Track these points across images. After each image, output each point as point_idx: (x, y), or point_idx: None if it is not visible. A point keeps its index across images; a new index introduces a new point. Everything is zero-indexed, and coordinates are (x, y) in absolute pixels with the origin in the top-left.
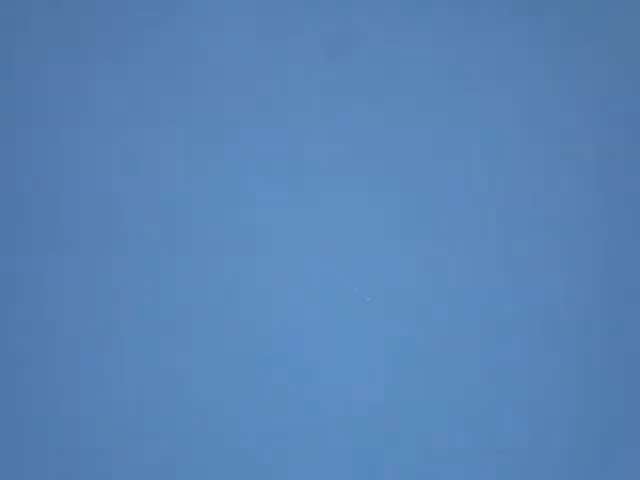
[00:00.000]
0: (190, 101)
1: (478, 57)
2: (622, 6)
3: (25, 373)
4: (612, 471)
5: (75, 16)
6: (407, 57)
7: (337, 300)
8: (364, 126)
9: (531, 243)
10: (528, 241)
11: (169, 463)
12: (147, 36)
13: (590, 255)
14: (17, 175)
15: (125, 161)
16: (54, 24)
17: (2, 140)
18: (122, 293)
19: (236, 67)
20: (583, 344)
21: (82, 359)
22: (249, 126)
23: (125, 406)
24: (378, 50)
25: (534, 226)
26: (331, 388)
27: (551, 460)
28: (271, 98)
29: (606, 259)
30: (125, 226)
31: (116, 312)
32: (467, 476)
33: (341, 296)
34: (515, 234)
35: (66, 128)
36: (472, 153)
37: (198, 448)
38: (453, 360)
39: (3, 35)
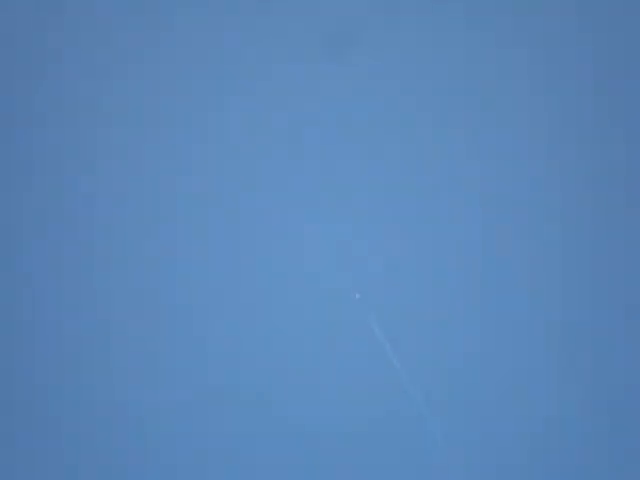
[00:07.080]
0: (189, 102)
1: (479, 57)
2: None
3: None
4: None
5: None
6: (407, 58)
7: (337, 307)
8: (364, 127)
9: (533, 244)
10: (530, 242)
11: (169, 464)
12: (148, 37)
13: (595, 259)
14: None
15: (125, 160)
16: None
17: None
18: (121, 292)
19: (236, 67)
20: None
21: (79, 353)
22: (248, 126)
23: (124, 406)
24: (379, 50)
25: (535, 225)
26: (329, 393)
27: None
28: (271, 98)
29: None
30: (125, 224)
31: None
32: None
33: (340, 302)
34: (517, 234)
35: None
36: (474, 151)
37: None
38: (459, 365)
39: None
